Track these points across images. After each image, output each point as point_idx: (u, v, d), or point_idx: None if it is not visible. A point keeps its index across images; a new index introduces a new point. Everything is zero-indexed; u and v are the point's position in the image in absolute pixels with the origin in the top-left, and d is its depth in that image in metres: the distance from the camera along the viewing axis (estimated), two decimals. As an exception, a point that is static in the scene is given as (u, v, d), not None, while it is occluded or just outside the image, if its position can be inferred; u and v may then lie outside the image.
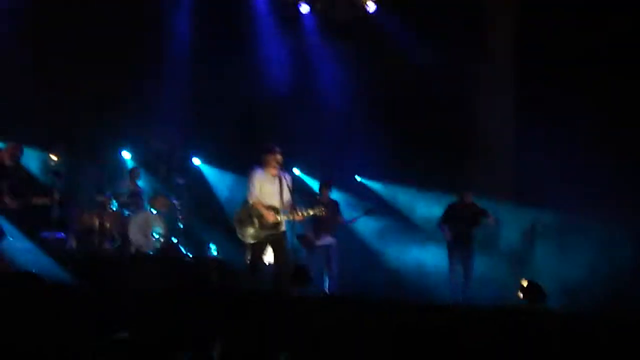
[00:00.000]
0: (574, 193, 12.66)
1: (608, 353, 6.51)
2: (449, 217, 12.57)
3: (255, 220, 10.05)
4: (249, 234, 10.11)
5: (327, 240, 12.56)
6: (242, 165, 11.23)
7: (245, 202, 10.20)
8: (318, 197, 12.74)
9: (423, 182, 14.60)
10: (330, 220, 12.32)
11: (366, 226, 14.28)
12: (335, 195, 13.10)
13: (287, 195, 10.20)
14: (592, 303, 11.87)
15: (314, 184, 14.31)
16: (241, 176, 11.87)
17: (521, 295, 9.69)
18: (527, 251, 12.94)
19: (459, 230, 12.39)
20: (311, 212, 10.50)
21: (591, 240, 12.93)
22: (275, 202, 10.14)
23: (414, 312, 7.83)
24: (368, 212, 13.28)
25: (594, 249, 12.78)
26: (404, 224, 14.93)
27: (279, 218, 10.10)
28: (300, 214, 10.29)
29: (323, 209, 10.67)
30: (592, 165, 12.43)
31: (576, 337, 7.17)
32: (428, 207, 14.52)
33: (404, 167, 14.46)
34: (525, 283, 9.76)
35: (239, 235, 10.23)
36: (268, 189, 10.16)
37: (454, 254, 12.43)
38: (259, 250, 10.25)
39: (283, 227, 10.21)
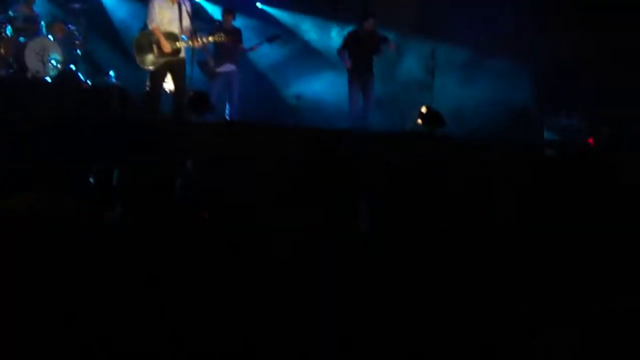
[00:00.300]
0: (477, 28, 12.77)
1: (498, 175, 6.84)
2: (350, 44, 12.51)
3: (154, 47, 9.93)
4: (148, 60, 10.00)
5: (228, 67, 12.44)
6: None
7: (145, 28, 10.05)
8: (219, 23, 12.54)
9: (326, 11, 14.49)
10: (231, 47, 12.19)
11: (268, 54, 14.17)
12: (238, 22, 12.90)
13: (186, 21, 10.08)
14: (487, 132, 12.22)
15: (216, 11, 14.04)
16: (140, 2, 11.61)
17: (420, 121, 9.90)
18: (427, 80, 13.05)
19: (359, 57, 12.38)
20: (211, 39, 10.42)
21: (491, 75, 13.13)
22: (175, 28, 10.01)
23: (313, 138, 7.98)
24: (270, 40, 13.11)
25: (493, 83, 13.01)
26: (305, 52, 14.87)
27: (178, 44, 9.99)
28: (199, 40, 10.19)
29: (223, 35, 10.59)
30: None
31: (471, 162, 7.46)
32: (329, 36, 14.48)
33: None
34: (424, 110, 9.96)
35: (138, 62, 10.12)
36: (167, 14, 10.00)
37: (353, 82, 12.45)
38: (158, 76, 10.16)
39: (182, 54, 10.12)
